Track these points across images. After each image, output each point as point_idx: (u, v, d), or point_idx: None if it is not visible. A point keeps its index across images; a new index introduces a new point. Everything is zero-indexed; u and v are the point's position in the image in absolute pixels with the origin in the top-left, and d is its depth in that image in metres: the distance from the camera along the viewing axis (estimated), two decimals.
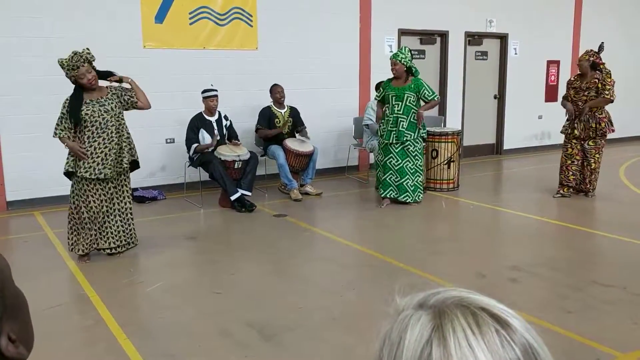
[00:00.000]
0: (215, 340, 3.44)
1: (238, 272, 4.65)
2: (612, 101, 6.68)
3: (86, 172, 4.65)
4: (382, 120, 6.69)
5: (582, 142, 6.92)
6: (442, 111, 9.88)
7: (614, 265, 4.74)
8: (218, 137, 6.73)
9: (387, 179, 6.66)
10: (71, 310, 3.99)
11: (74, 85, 4.71)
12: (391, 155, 6.62)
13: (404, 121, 6.52)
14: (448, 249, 5.28)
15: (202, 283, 4.47)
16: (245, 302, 4.01)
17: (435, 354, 0.62)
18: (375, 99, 6.97)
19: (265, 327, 3.58)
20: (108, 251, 4.90)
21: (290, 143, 7.15)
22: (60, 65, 4.61)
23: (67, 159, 4.75)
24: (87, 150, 4.66)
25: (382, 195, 6.74)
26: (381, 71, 8.42)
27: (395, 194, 6.67)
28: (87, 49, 4.67)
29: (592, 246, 5.42)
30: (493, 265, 4.79)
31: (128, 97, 4.91)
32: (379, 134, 6.76)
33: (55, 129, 4.71)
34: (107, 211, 4.82)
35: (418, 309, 0.68)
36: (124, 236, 4.93)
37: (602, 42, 6.98)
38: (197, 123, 6.73)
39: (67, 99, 4.71)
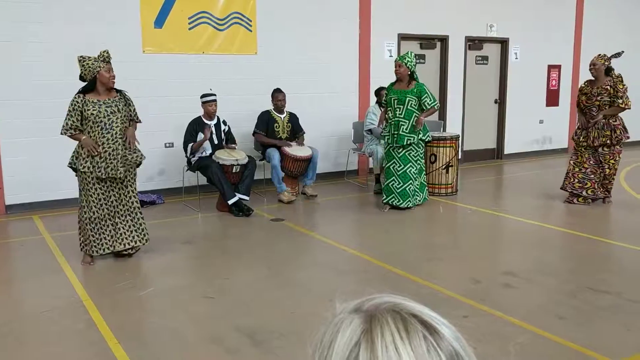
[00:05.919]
0: (205, 345, 3.44)
1: (232, 277, 4.65)
2: (627, 109, 6.56)
3: (99, 171, 4.68)
4: (386, 124, 6.72)
5: (595, 150, 6.78)
6: (442, 116, 9.87)
7: (611, 272, 4.72)
8: (213, 131, 6.70)
9: (390, 185, 6.64)
10: (64, 313, 4.00)
11: (80, 84, 4.76)
12: (394, 160, 6.61)
13: (404, 125, 6.50)
14: (444, 254, 5.27)
15: (196, 287, 4.47)
16: (237, 307, 4.01)
17: (363, 356, 0.64)
18: (383, 103, 7.04)
19: (256, 332, 3.58)
20: (125, 252, 4.96)
21: (288, 148, 7.15)
22: (82, 59, 4.67)
23: (73, 154, 4.76)
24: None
25: (384, 201, 6.74)
26: (381, 76, 8.43)
27: (397, 202, 6.64)
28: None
29: (589, 252, 5.39)
30: (488, 270, 4.77)
31: (132, 109, 4.97)
32: (384, 137, 6.78)
33: (63, 127, 4.68)
34: (116, 211, 4.84)
35: (352, 313, 0.69)
36: (137, 235, 4.97)
37: (623, 51, 6.90)
38: (196, 126, 6.75)
39: (76, 96, 4.68)
